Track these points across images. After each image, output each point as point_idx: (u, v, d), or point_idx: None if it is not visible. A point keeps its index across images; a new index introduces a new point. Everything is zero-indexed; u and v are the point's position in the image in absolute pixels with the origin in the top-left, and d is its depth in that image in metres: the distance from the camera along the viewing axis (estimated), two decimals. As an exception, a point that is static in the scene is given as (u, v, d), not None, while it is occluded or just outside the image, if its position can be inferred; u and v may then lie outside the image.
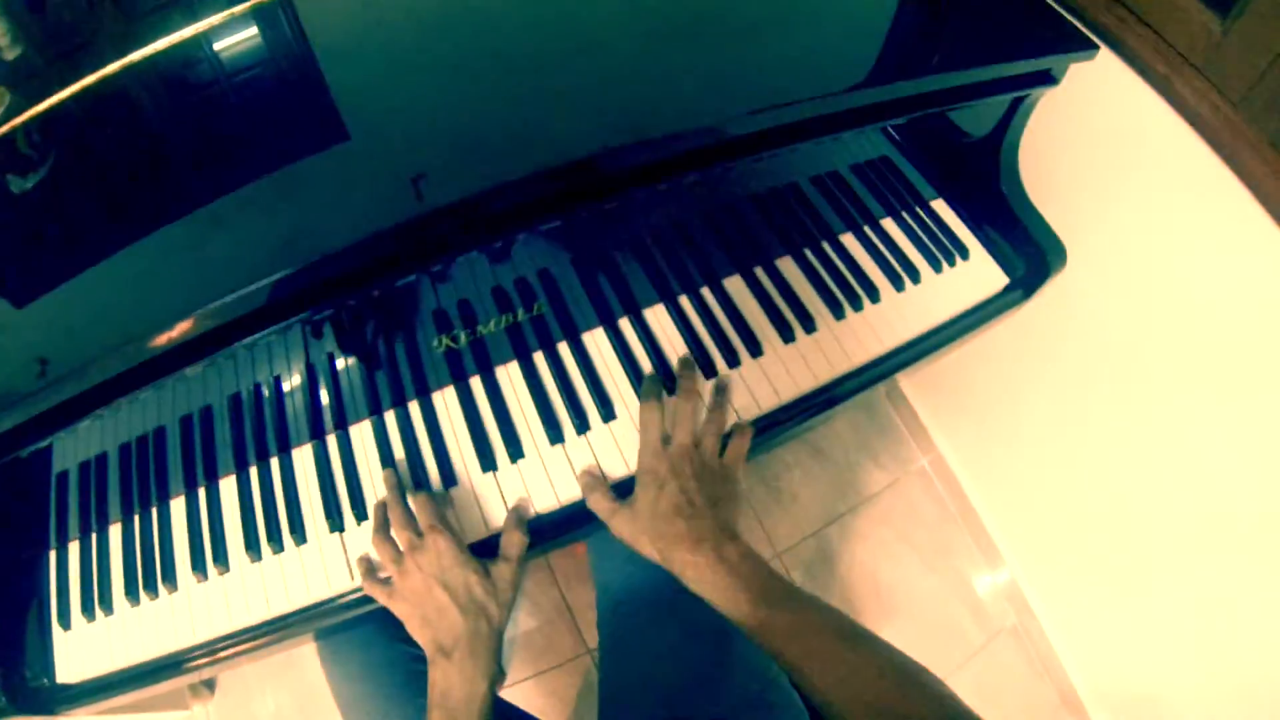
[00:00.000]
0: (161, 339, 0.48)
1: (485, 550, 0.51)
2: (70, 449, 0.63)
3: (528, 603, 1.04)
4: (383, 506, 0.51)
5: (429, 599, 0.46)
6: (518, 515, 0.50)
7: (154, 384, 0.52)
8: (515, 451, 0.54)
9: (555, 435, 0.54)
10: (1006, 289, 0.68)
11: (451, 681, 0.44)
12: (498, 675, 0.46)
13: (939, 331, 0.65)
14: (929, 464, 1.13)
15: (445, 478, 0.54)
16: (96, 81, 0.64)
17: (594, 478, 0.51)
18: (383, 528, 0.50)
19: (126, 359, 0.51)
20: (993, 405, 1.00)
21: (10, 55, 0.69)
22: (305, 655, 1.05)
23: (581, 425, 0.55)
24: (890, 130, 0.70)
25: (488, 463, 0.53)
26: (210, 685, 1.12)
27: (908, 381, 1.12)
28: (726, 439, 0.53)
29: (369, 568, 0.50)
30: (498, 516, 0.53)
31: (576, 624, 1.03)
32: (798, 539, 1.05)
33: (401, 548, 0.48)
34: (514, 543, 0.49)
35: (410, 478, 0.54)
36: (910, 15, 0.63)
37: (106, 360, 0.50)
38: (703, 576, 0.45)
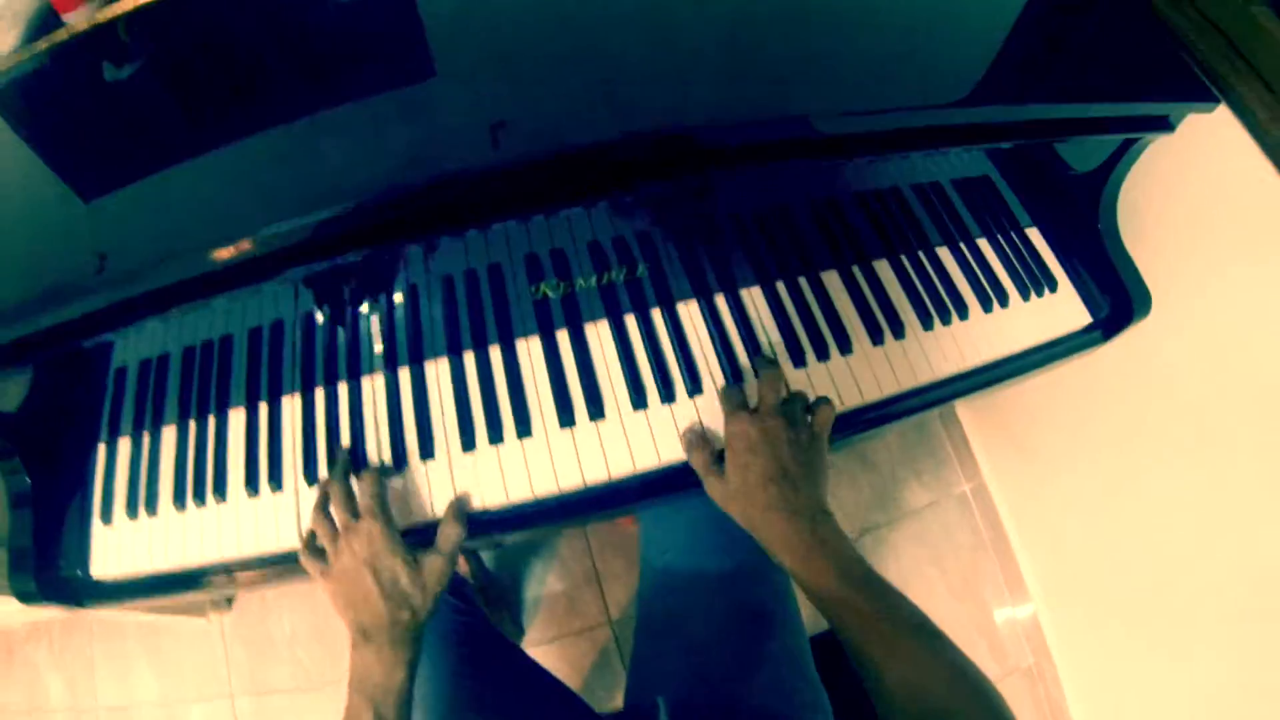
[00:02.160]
0: (221, 255, 0.45)
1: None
2: (131, 346, 0.61)
3: (558, 565, 1.02)
4: (325, 485, 0.49)
5: (356, 582, 0.45)
6: (457, 508, 0.48)
7: (206, 300, 0.50)
8: (596, 411, 0.50)
9: (639, 401, 0.51)
10: (1087, 328, 0.65)
11: (370, 667, 0.43)
12: (416, 661, 0.45)
13: (1015, 360, 0.62)
14: (971, 490, 1.10)
15: (520, 425, 0.51)
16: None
17: (696, 435, 0.50)
18: (323, 504, 0.48)
19: (184, 270, 0.48)
20: (1046, 441, 0.96)
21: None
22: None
23: (667, 395, 0.52)
24: (993, 151, 0.68)
25: (566, 418, 0.50)
26: (229, 600, 1.10)
27: (962, 404, 1.09)
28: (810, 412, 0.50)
29: (309, 539, 0.49)
30: (590, 471, 0.50)
31: (603, 593, 1.01)
32: None
33: (338, 526, 0.47)
34: (448, 536, 0.47)
35: (486, 422, 0.51)
36: (1031, 34, 0.60)
37: (163, 267, 0.48)
38: (792, 546, 0.43)
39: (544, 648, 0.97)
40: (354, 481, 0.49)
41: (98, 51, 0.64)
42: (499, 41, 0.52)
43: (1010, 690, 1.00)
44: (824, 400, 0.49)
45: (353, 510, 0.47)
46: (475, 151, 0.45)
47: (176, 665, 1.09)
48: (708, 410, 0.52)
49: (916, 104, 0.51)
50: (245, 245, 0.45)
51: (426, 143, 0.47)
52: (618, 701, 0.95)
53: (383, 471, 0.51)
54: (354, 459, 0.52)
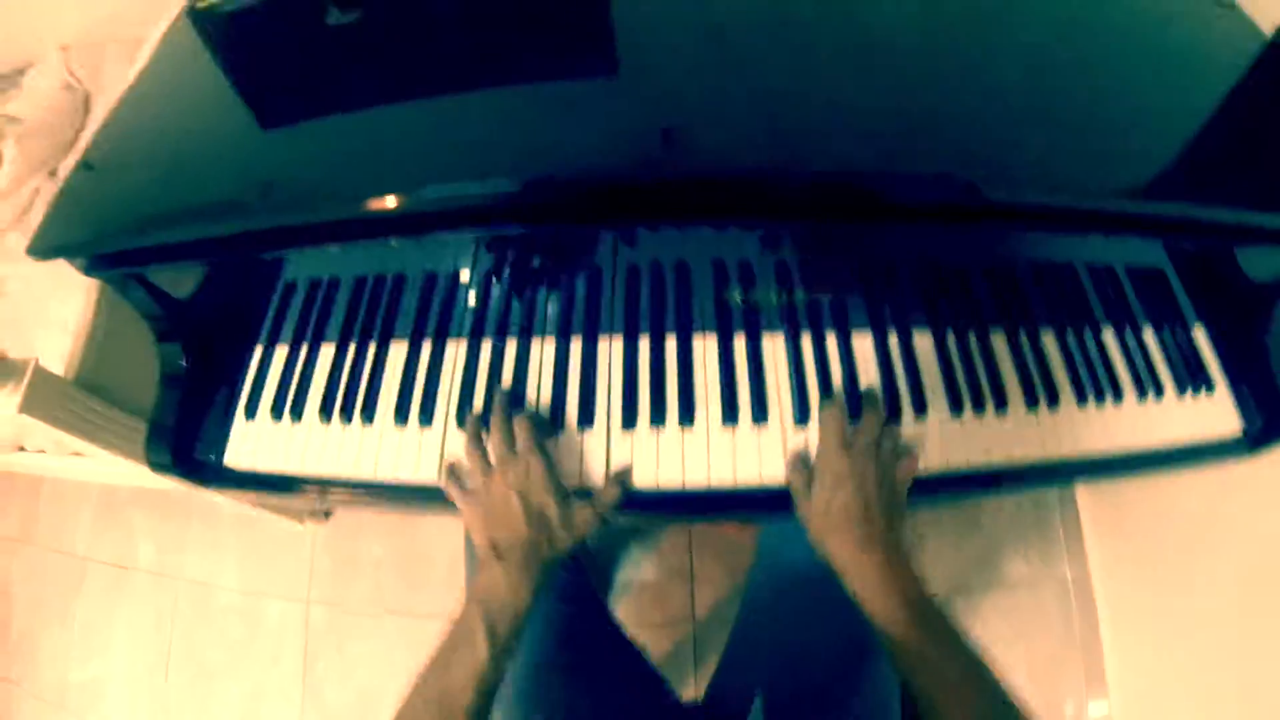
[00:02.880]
0: (372, 205, 0.47)
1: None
2: (304, 264, 0.63)
3: (655, 556, 1.03)
4: (478, 419, 0.51)
5: (504, 504, 0.45)
6: (622, 474, 0.49)
7: (359, 242, 0.52)
8: (760, 415, 0.51)
9: (802, 417, 0.51)
10: (1236, 438, 0.63)
11: (497, 583, 0.43)
12: (540, 592, 0.45)
13: (1154, 454, 0.61)
14: (1072, 576, 1.06)
15: (684, 414, 0.52)
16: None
17: (798, 456, 0.50)
18: (476, 438, 0.49)
19: (338, 211, 0.50)
20: (1162, 549, 0.92)
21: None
22: (425, 524, 1.08)
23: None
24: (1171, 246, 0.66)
25: (730, 417, 0.51)
26: (328, 512, 1.14)
27: (1084, 488, 1.06)
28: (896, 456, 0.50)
29: (452, 471, 0.50)
30: (743, 471, 0.51)
31: (693, 592, 1.02)
32: None
33: (493, 460, 0.48)
34: (609, 494, 0.48)
35: (651, 404, 0.52)
36: (1227, 132, 0.58)
37: (321, 209, 0.50)
38: (864, 576, 0.43)
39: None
40: (515, 420, 0.50)
41: None
42: (693, 49, 0.53)
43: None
44: (909, 450, 0.50)
45: (510, 446, 0.48)
46: (648, 155, 0.45)
47: (263, 560, 1.14)
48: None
49: (1104, 189, 0.51)
50: (402, 199, 0.46)
51: (599, 134, 0.48)
52: (683, 696, 0.96)
53: (541, 419, 0.52)
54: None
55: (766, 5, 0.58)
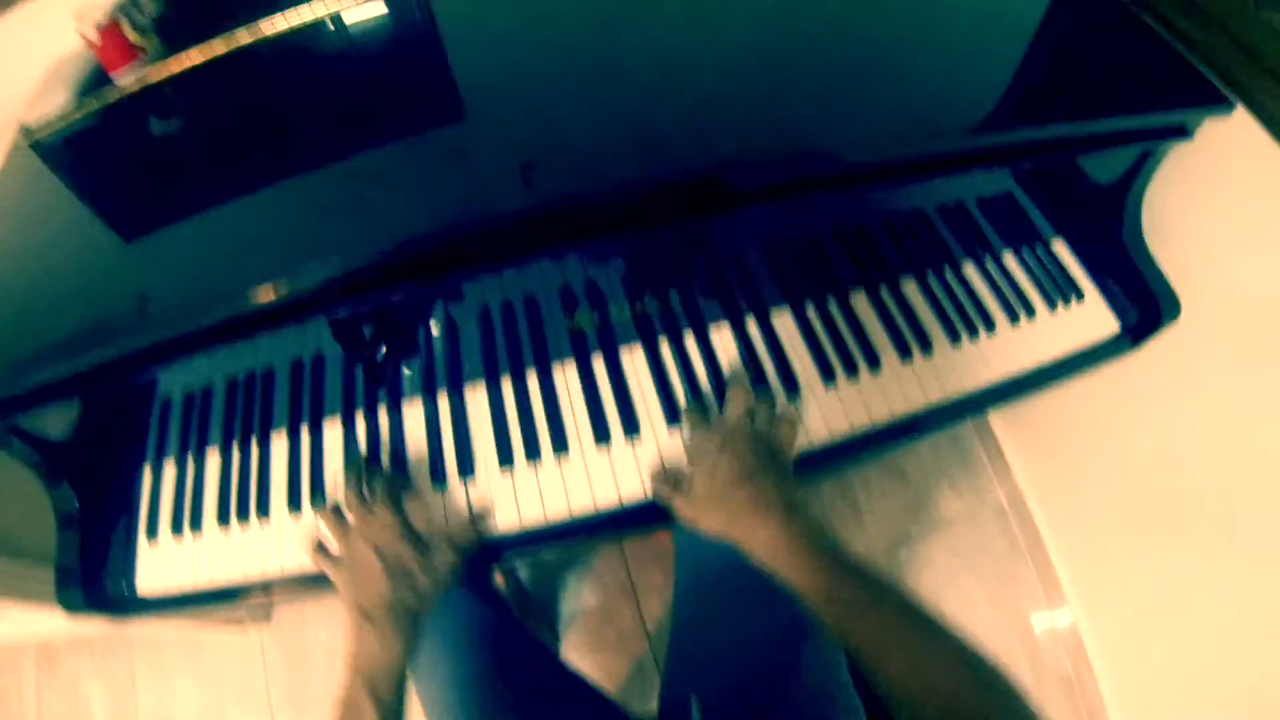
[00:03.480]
0: (258, 296, 0.47)
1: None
2: (176, 377, 0.62)
3: (593, 579, 1.02)
4: (341, 484, 0.51)
5: (363, 562, 0.46)
6: (481, 509, 0.50)
7: (243, 339, 0.51)
8: (631, 429, 0.51)
9: (673, 418, 0.51)
10: (1116, 336, 0.65)
11: (369, 646, 0.43)
12: (413, 648, 0.45)
13: (1044, 370, 0.62)
14: (1005, 497, 1.09)
15: (557, 445, 0.52)
16: (237, 46, 0.64)
17: (659, 469, 0.50)
18: (334, 508, 0.50)
19: (222, 310, 0.49)
20: (1080, 448, 0.95)
21: (153, 11, 0.70)
22: None
23: (704, 415, 0.52)
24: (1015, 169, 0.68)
25: (602, 437, 0.51)
26: (268, 613, 1.12)
27: (996, 413, 1.08)
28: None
29: (320, 545, 0.50)
30: (626, 487, 0.51)
31: (639, 605, 1.01)
32: (868, 555, 1.02)
33: (350, 521, 0.48)
34: (463, 534, 0.48)
35: (523, 440, 0.52)
36: (1042, 52, 0.60)
37: (202, 309, 0.49)
38: (769, 544, 0.42)
39: (580, 661, 0.97)
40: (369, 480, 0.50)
41: (145, 108, 0.66)
42: (527, 85, 0.53)
43: (1049, 698, 0.98)
44: (787, 415, 0.49)
45: (364, 503, 0.49)
46: (506, 193, 0.46)
47: (216, 677, 1.10)
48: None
49: (937, 131, 0.52)
50: (282, 288, 0.46)
51: (458, 186, 0.48)
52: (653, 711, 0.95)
53: (396, 476, 0.52)
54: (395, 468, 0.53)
55: (585, 34, 0.59)
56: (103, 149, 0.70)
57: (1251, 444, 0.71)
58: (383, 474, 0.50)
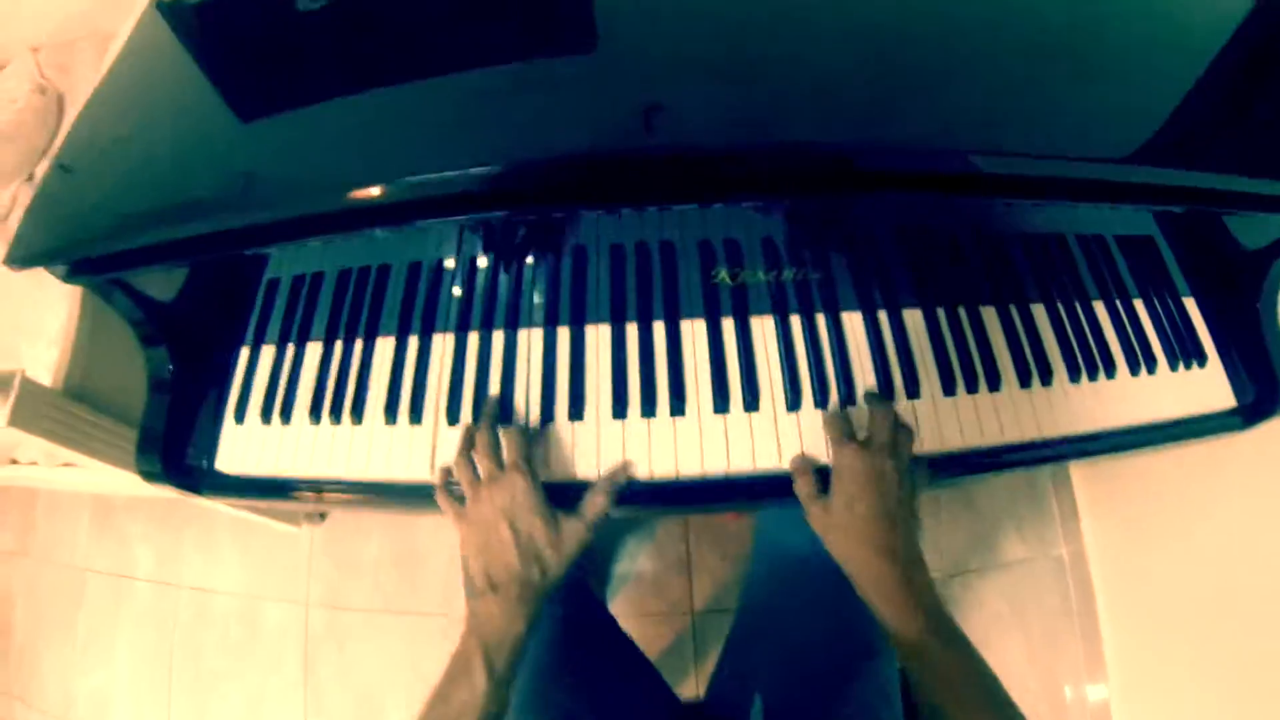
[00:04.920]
0: (360, 195, 0.46)
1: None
2: (286, 260, 0.63)
3: (652, 547, 1.03)
4: (471, 430, 0.50)
5: (493, 532, 0.45)
6: (610, 481, 0.48)
7: (341, 235, 0.51)
8: (751, 402, 0.51)
9: (794, 402, 0.51)
10: (1228, 411, 0.64)
11: (492, 616, 0.43)
12: (537, 620, 0.45)
13: (1147, 430, 0.61)
14: (1068, 555, 1.07)
15: (675, 402, 0.52)
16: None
17: (804, 460, 0.49)
18: (467, 449, 0.49)
19: (324, 203, 0.49)
20: (1158, 524, 0.92)
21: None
22: (421, 523, 1.08)
23: (822, 400, 0.52)
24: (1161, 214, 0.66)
25: (722, 405, 0.51)
26: (324, 514, 1.14)
27: (1077, 465, 1.05)
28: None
29: (446, 477, 0.50)
30: (736, 459, 0.50)
31: (692, 581, 1.02)
32: None
33: (481, 475, 0.47)
34: (595, 505, 0.47)
35: (641, 394, 0.52)
36: (1215, 97, 0.58)
37: (305, 197, 0.49)
38: (882, 588, 0.43)
39: (622, 622, 0.99)
40: (501, 433, 0.50)
41: None
42: (666, 28, 0.52)
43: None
44: (920, 458, 0.49)
45: (498, 461, 0.48)
46: (630, 133, 0.45)
47: (262, 563, 1.14)
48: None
49: (1091, 155, 0.50)
50: (388, 189, 0.46)
51: (579, 117, 0.47)
52: (685, 689, 0.96)
53: (528, 430, 0.51)
54: (502, 410, 0.53)
55: None
56: (241, 16, 0.69)
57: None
58: (517, 431, 0.49)
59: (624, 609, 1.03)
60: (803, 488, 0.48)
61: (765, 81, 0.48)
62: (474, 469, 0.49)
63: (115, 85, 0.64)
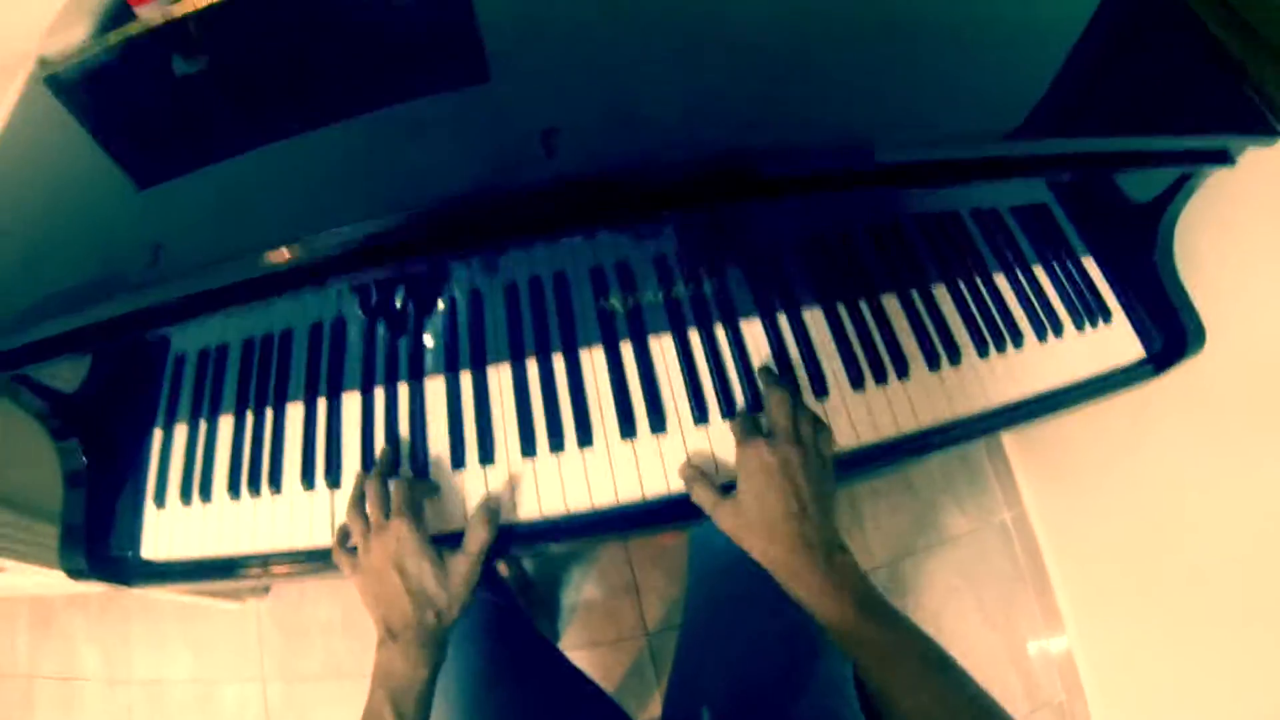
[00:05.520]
0: (271, 258, 0.46)
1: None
2: (190, 335, 0.61)
3: (596, 574, 1.03)
4: (360, 483, 0.50)
5: (384, 581, 0.45)
6: (486, 511, 0.48)
7: (255, 302, 0.50)
8: (658, 424, 0.51)
9: (700, 416, 0.51)
10: (1140, 361, 0.65)
11: (394, 664, 0.44)
12: (440, 663, 0.45)
13: (1065, 392, 0.62)
14: (1011, 519, 1.09)
15: (581, 433, 0.52)
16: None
17: (695, 469, 0.49)
18: (358, 501, 0.49)
19: (236, 272, 0.49)
20: (1091, 474, 0.95)
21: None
22: None
23: (728, 411, 0.52)
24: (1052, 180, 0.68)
25: (628, 430, 0.51)
26: (266, 587, 1.12)
27: (1007, 433, 1.08)
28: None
29: (343, 535, 0.50)
30: (650, 484, 0.50)
31: (641, 604, 1.02)
32: (869, 567, 1.02)
33: (370, 525, 0.48)
34: (476, 539, 0.47)
35: (548, 429, 0.52)
36: (1089, 64, 0.59)
37: (214, 268, 0.48)
38: (804, 579, 0.43)
39: (578, 654, 0.98)
40: (390, 483, 0.49)
41: (168, 45, 0.65)
42: (556, 51, 0.52)
43: (1040, 725, 0.99)
44: (825, 425, 0.49)
45: (386, 510, 0.48)
46: (528, 165, 0.45)
47: (211, 646, 1.11)
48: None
49: (978, 133, 0.52)
50: (297, 251, 0.45)
51: (479, 150, 0.47)
52: (650, 712, 0.96)
53: (418, 482, 0.51)
54: (413, 460, 0.53)
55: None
56: (122, 87, 0.68)
57: (1264, 487, 0.71)
58: (403, 480, 0.49)
59: (578, 640, 1.03)
60: (700, 495, 0.47)
61: (655, 101, 0.48)
62: (365, 520, 0.49)
63: (2, 165, 0.63)
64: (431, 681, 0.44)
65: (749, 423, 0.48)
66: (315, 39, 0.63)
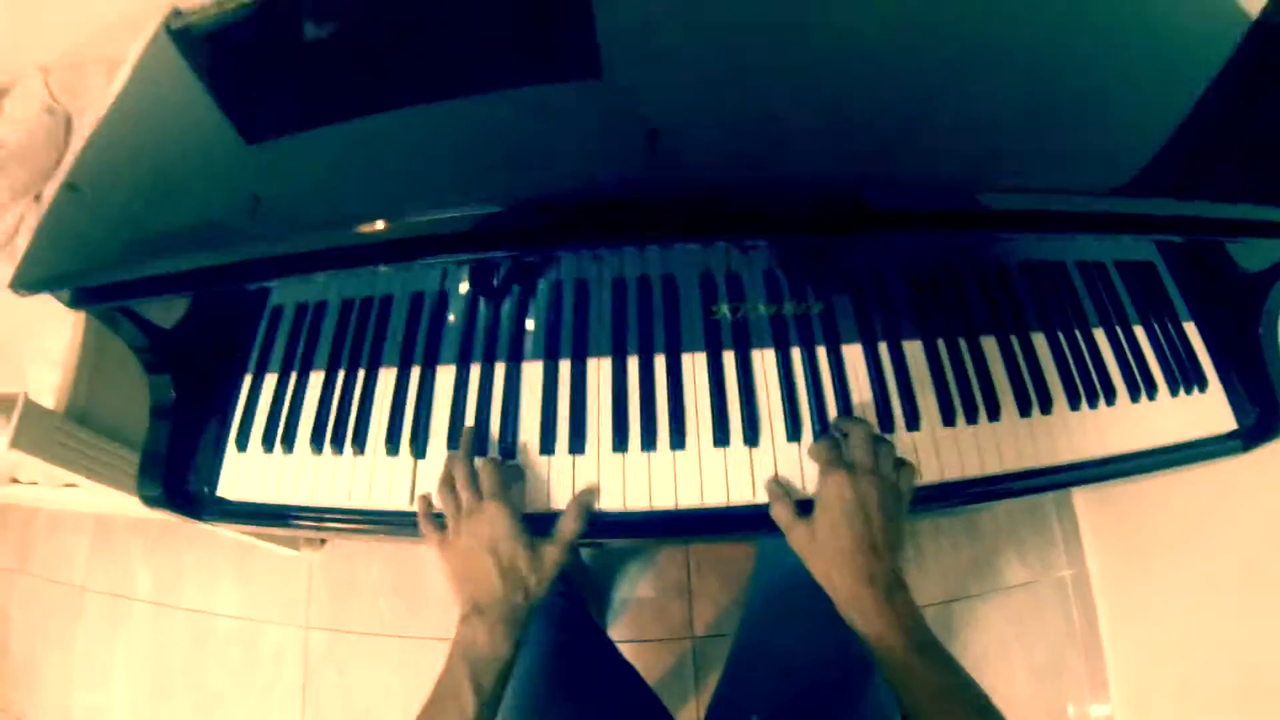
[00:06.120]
0: (366, 229, 0.46)
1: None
2: (290, 289, 0.63)
3: (652, 572, 1.04)
4: (451, 460, 0.51)
5: (475, 560, 0.46)
6: (581, 503, 0.50)
7: (344, 270, 0.51)
8: (751, 436, 0.51)
9: (794, 433, 0.51)
10: (1228, 434, 0.64)
11: (479, 640, 0.44)
12: (520, 643, 0.46)
13: (1149, 456, 0.61)
14: (1071, 577, 1.07)
15: (675, 436, 0.52)
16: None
17: (780, 487, 0.50)
18: (448, 481, 0.50)
19: (329, 239, 0.50)
20: (1160, 545, 0.93)
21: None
22: (421, 549, 1.09)
23: (824, 431, 0.52)
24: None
25: (721, 438, 0.51)
26: (323, 539, 1.15)
27: (1079, 489, 1.07)
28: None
29: (427, 506, 0.51)
30: (737, 491, 0.51)
31: (692, 607, 1.03)
32: (921, 603, 1.01)
33: (462, 505, 0.49)
34: (568, 528, 0.49)
35: (641, 427, 0.52)
36: (1212, 125, 0.58)
37: (309, 233, 0.49)
38: (864, 610, 0.44)
39: (623, 648, 1.00)
40: (478, 465, 0.51)
41: (304, 9, 0.67)
42: (672, 54, 0.53)
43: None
44: (906, 462, 0.50)
45: (477, 492, 0.49)
46: (628, 167, 0.45)
47: (261, 587, 1.15)
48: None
49: (1092, 190, 0.51)
50: (389, 225, 0.46)
51: (582, 150, 0.48)
52: (686, 715, 0.95)
53: (506, 464, 0.52)
54: (501, 440, 0.54)
55: (754, 10, 0.58)
56: (250, 43, 0.70)
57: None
58: (491, 462, 0.50)
59: (624, 634, 1.04)
60: (779, 513, 0.48)
61: (770, 119, 0.49)
62: (456, 500, 0.50)
63: (124, 108, 0.65)
64: (511, 661, 0.45)
65: (834, 451, 0.49)
66: (440, 20, 0.64)
